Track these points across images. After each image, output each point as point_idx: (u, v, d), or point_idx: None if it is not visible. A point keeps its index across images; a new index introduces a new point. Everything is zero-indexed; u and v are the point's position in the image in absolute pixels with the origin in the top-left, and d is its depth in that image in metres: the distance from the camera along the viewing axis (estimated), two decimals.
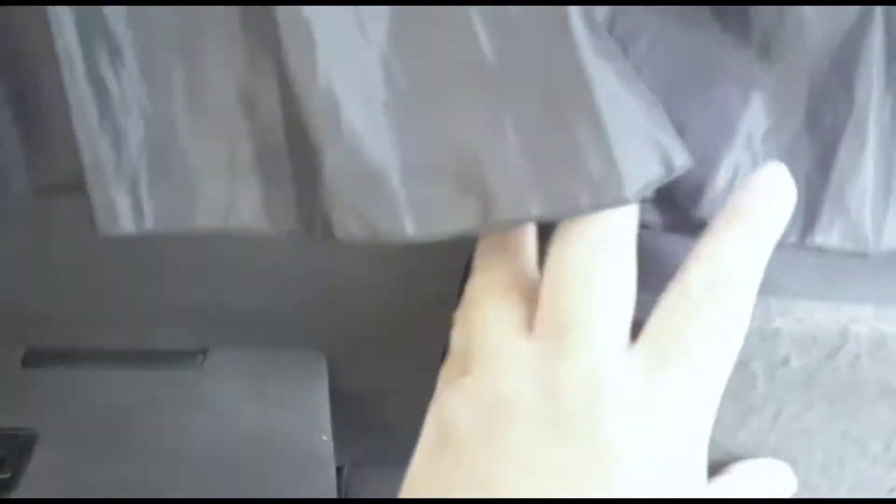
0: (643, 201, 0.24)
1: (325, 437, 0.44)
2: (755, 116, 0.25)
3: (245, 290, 0.44)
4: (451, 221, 0.22)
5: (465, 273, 0.43)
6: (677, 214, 0.26)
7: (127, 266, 0.41)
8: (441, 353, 0.48)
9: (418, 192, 0.22)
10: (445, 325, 0.46)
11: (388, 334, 0.47)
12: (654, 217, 0.26)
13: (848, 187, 0.25)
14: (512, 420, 0.22)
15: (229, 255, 0.42)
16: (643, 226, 0.24)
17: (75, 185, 0.23)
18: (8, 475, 0.39)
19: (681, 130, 0.24)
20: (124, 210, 0.22)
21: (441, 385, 0.26)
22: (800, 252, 0.25)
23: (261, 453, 0.43)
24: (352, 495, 0.44)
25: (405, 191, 0.22)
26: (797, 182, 0.24)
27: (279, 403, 0.45)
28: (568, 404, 0.22)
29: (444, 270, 0.44)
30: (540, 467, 0.21)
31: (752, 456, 0.27)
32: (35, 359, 0.43)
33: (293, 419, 0.44)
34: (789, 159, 0.25)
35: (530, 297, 0.24)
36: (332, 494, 0.42)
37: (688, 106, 0.25)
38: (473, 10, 0.22)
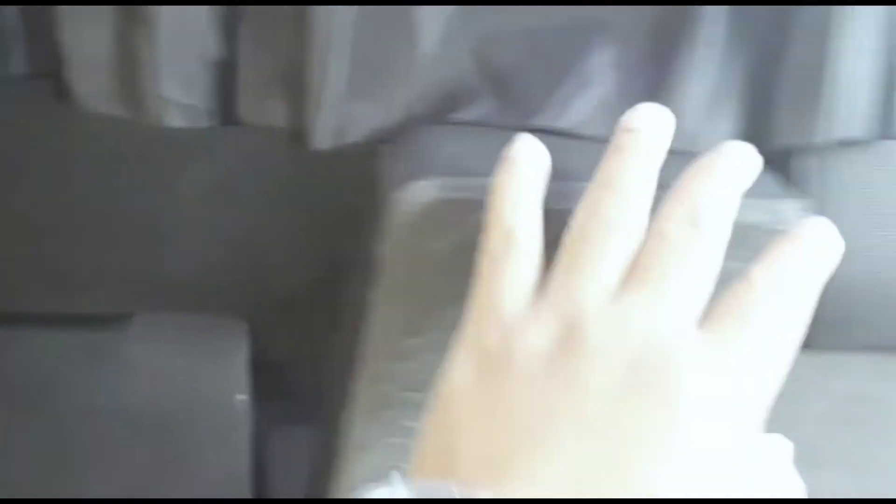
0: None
1: (240, 397, 0.46)
2: (605, 39, 0.26)
3: (169, 257, 0.44)
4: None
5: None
6: (521, 117, 0.27)
7: (52, 229, 0.42)
8: (356, 320, 0.50)
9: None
10: (363, 294, 0.48)
11: (308, 303, 0.48)
12: (496, 116, 0.28)
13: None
14: (584, 356, 0.22)
15: (154, 221, 0.42)
16: (483, 124, 0.27)
17: None
18: None
19: (528, 45, 0.26)
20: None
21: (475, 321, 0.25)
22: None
23: (179, 413, 0.45)
24: (268, 454, 0.47)
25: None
26: None
27: (199, 367, 0.46)
28: (641, 359, 0.22)
29: (365, 240, 0.46)
30: (604, 407, 0.21)
31: None
32: None
33: (212, 381, 0.46)
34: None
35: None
36: (247, 452, 0.44)
37: (535, 29, 0.27)
38: None
